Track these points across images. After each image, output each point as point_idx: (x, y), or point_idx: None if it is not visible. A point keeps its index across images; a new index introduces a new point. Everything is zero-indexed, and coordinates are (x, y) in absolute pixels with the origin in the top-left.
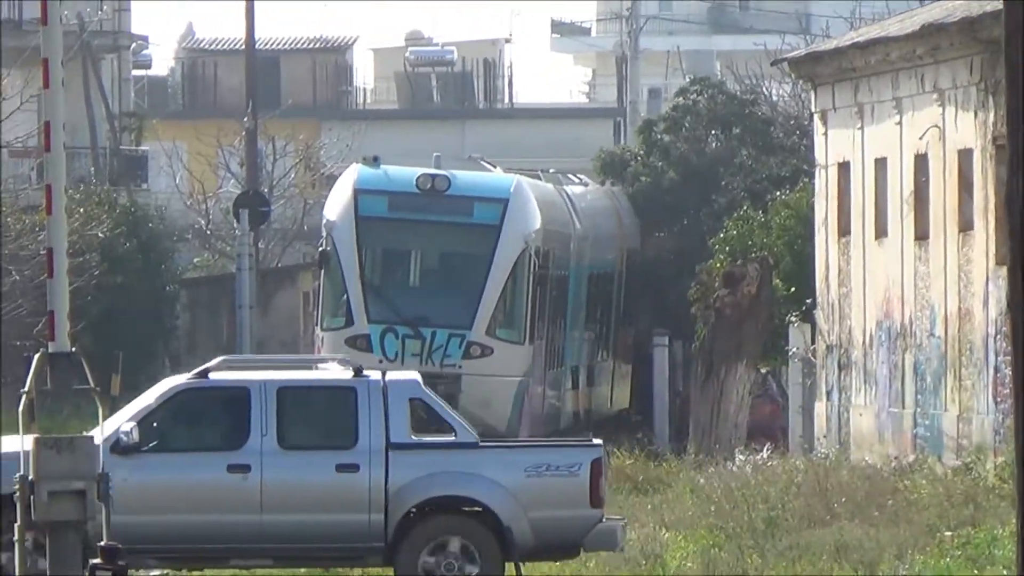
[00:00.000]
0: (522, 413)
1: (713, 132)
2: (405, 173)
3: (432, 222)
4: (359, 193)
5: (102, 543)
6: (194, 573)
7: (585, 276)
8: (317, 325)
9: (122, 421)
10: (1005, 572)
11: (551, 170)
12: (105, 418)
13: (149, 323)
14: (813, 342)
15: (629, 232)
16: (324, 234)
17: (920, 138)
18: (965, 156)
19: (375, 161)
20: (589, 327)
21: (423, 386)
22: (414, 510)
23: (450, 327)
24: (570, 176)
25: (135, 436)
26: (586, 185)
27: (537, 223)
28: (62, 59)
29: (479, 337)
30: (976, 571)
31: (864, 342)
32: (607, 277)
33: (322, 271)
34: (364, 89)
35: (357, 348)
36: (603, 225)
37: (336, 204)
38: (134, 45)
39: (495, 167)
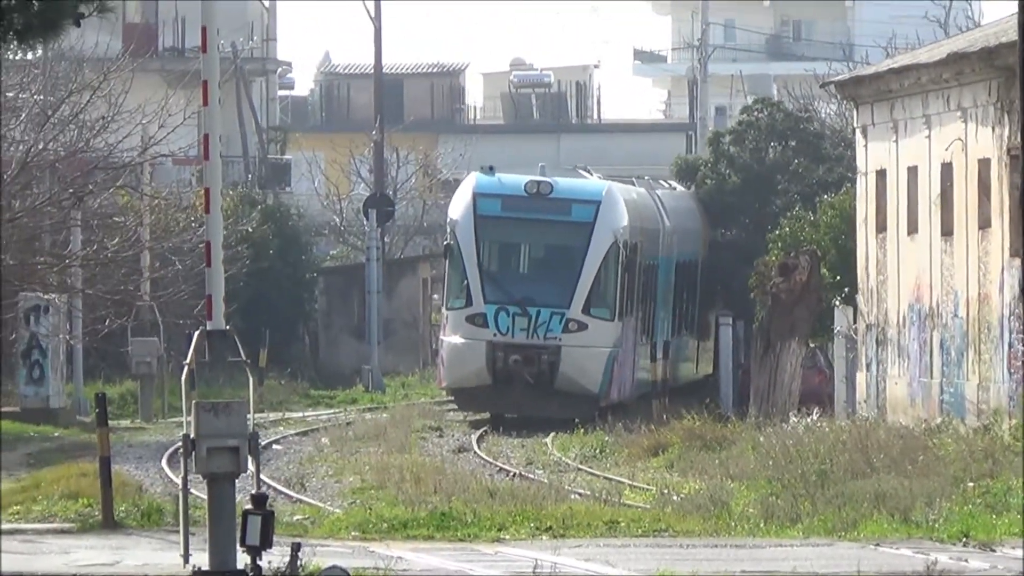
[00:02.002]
0: (612, 378)
1: (772, 144)
2: (515, 179)
3: (537, 220)
4: (477, 196)
5: (253, 492)
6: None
7: (672, 264)
8: (443, 305)
9: None
10: (1017, 516)
11: (645, 177)
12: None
13: (291, 306)
14: (855, 322)
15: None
16: (448, 230)
17: (946, 149)
18: (984, 165)
19: (491, 170)
20: (677, 307)
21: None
22: None
23: (552, 307)
24: (661, 181)
25: None
26: (674, 189)
27: (625, 221)
28: (219, 81)
29: (576, 315)
30: (994, 516)
31: (898, 322)
32: (692, 265)
33: (446, 261)
34: (474, 107)
35: (475, 324)
36: (688, 222)
37: (458, 205)
38: (280, 69)
39: (592, 174)
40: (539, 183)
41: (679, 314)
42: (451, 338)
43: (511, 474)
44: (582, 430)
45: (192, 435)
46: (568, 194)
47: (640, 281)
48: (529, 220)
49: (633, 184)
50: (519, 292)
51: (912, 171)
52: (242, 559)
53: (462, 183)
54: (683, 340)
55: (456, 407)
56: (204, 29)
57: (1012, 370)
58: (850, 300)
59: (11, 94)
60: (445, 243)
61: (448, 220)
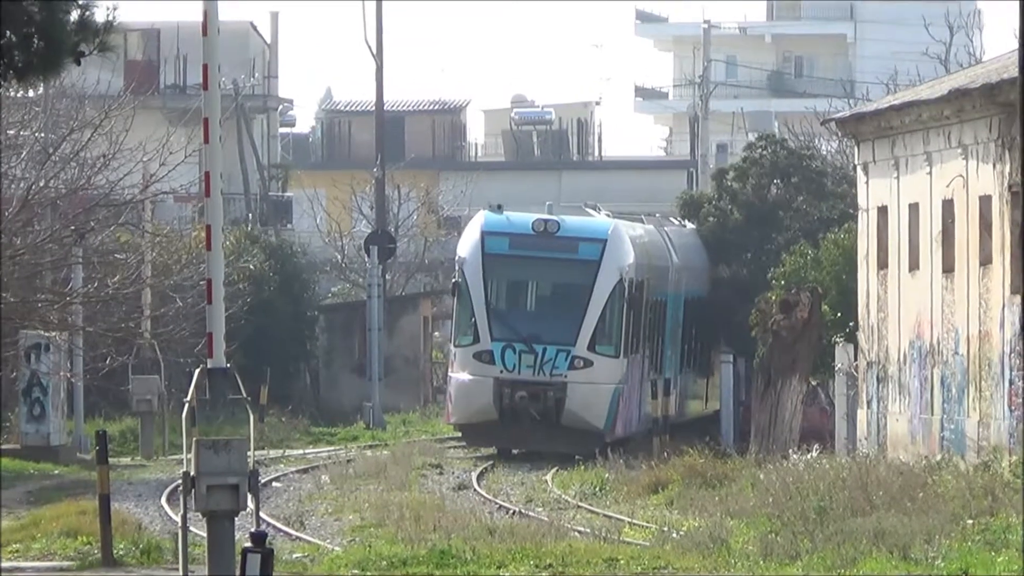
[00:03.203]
0: (618, 414)
1: (774, 181)
2: (523, 218)
3: (545, 258)
4: (485, 235)
5: (253, 530)
6: None
7: (682, 301)
8: (451, 342)
9: None
10: (1017, 554)
11: (656, 214)
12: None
13: (292, 343)
14: (856, 359)
15: None
16: (456, 268)
17: (947, 186)
18: (985, 202)
19: (499, 208)
20: (686, 342)
21: None
22: None
23: (558, 344)
24: (671, 219)
25: None
26: (684, 226)
27: (631, 258)
28: (220, 118)
29: (581, 352)
30: (993, 553)
31: (899, 359)
32: (701, 301)
33: (455, 298)
34: (476, 144)
35: (482, 361)
36: (696, 258)
37: (466, 243)
38: (281, 107)
39: (599, 212)
40: (546, 222)
41: (688, 349)
42: (459, 375)
43: (511, 512)
44: (582, 467)
45: (192, 472)
46: (575, 232)
47: (647, 318)
48: (536, 258)
49: (642, 221)
50: (526, 329)
51: (913, 208)
52: None
53: (471, 221)
54: (692, 375)
55: (462, 443)
56: (205, 67)
57: (1013, 407)
58: (851, 337)
59: (12, 131)
60: (453, 280)
61: (456, 258)
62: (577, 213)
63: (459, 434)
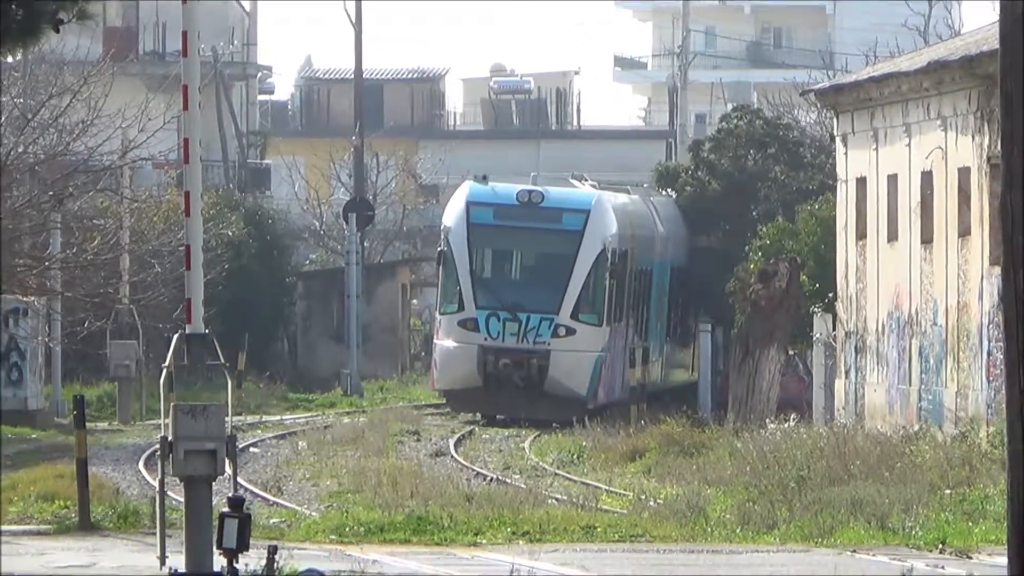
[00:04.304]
0: (600, 382)
1: (752, 151)
2: (508, 188)
3: (529, 228)
4: (470, 205)
5: (230, 495)
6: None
7: (667, 269)
8: (436, 310)
9: None
10: (994, 524)
11: (644, 184)
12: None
13: (270, 309)
14: (834, 329)
15: None
16: (442, 237)
17: (926, 158)
18: (964, 173)
19: (484, 179)
20: (672, 310)
21: None
22: None
23: (541, 312)
24: (660, 191)
25: None
26: (671, 196)
27: (614, 228)
28: (199, 85)
29: (564, 320)
30: (971, 523)
31: (877, 329)
32: (686, 271)
33: (440, 267)
34: (454, 113)
35: (467, 329)
36: (680, 229)
37: (452, 213)
38: (260, 74)
39: (585, 182)
40: (531, 192)
41: (674, 318)
42: (444, 342)
43: (488, 479)
44: (560, 434)
45: (170, 437)
46: (558, 203)
47: (631, 286)
48: (520, 228)
49: (628, 192)
50: (510, 298)
51: (892, 179)
52: (218, 562)
53: (456, 191)
54: (677, 343)
55: (439, 410)
56: (185, 33)
57: (990, 378)
58: (829, 307)
59: None
60: (439, 250)
61: (441, 227)
62: (562, 183)
63: (437, 401)
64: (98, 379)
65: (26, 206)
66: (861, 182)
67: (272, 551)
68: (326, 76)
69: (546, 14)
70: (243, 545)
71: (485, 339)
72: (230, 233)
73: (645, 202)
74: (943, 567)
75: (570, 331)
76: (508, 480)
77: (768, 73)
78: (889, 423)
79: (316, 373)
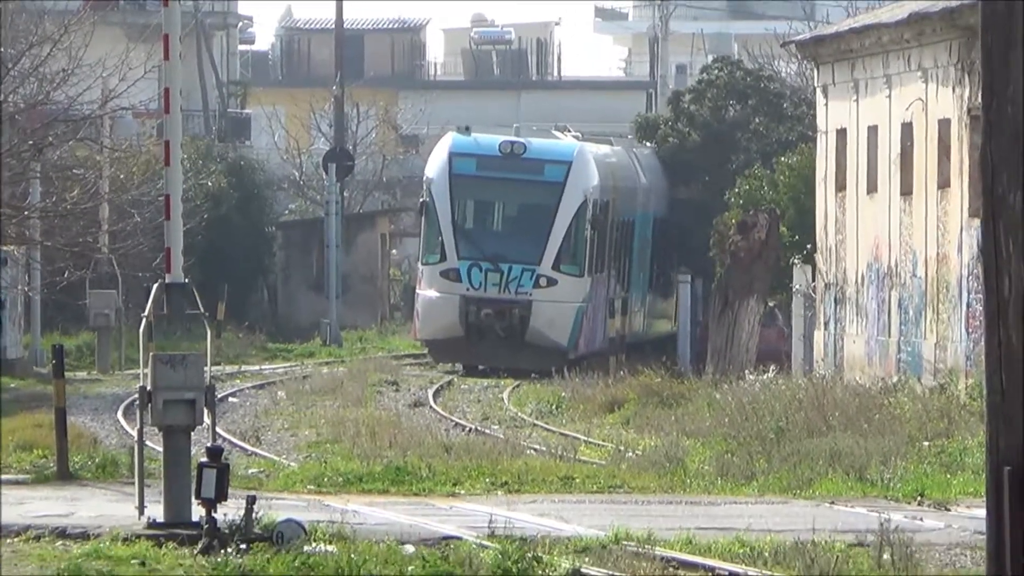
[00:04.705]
0: (581, 332)
1: (731, 103)
2: (490, 140)
3: (511, 179)
4: (453, 156)
5: (209, 445)
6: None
7: (650, 221)
8: (419, 260)
9: None
10: (972, 476)
11: (629, 136)
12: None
13: (250, 259)
14: (813, 280)
15: None
16: (424, 188)
17: (906, 109)
18: (944, 125)
19: (467, 130)
20: (655, 262)
21: None
22: None
23: (523, 263)
24: (644, 143)
25: None
26: (651, 148)
27: (596, 180)
28: (179, 35)
29: (546, 271)
30: (949, 475)
31: (856, 281)
32: (669, 222)
33: (422, 218)
34: (435, 63)
35: (449, 279)
36: (662, 180)
37: (434, 164)
38: (241, 24)
39: (568, 133)
40: (513, 144)
41: (657, 268)
42: (426, 292)
43: (467, 429)
44: (539, 385)
45: (148, 387)
46: (540, 154)
47: (613, 237)
48: (503, 179)
49: (611, 143)
50: (492, 249)
51: (872, 131)
52: (197, 511)
53: (439, 142)
54: (660, 294)
55: (418, 360)
56: None
57: (970, 330)
58: (809, 259)
59: None
60: (421, 201)
61: (424, 178)
62: (545, 134)
63: (416, 351)
64: (77, 328)
65: (6, 155)
66: (841, 133)
67: (251, 501)
68: (306, 26)
69: None
70: (221, 495)
71: (467, 289)
72: (210, 183)
73: (628, 153)
74: (921, 519)
75: (551, 282)
76: (487, 431)
77: (749, 24)
78: (868, 375)
79: (295, 323)
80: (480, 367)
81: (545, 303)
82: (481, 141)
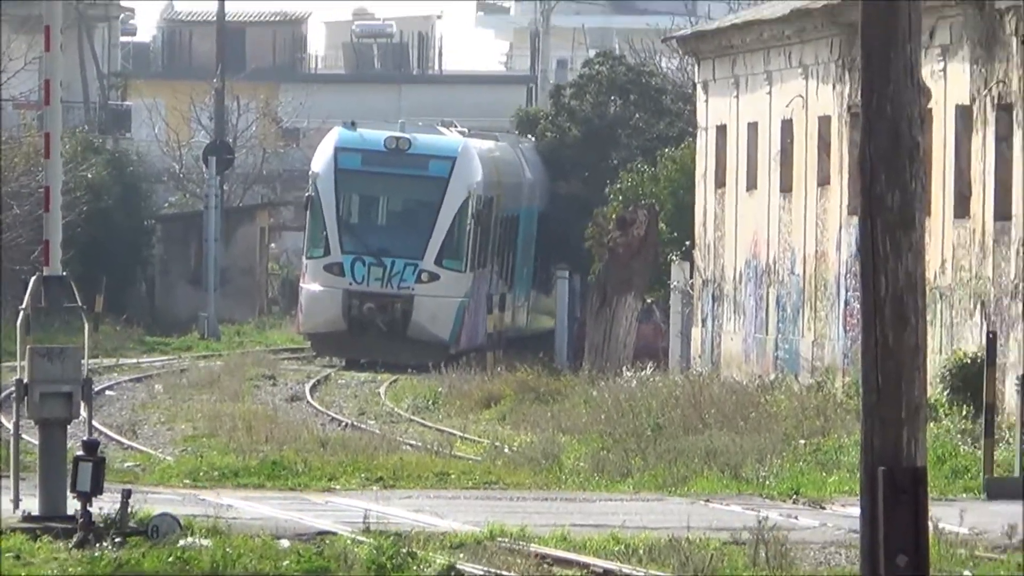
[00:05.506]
0: (463, 327)
1: (612, 98)
2: (376, 134)
3: (395, 174)
4: (338, 150)
5: (85, 438)
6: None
7: (535, 217)
8: (303, 254)
9: None
10: (848, 475)
11: (515, 132)
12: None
13: (129, 252)
14: (691, 277)
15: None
16: (310, 182)
17: (786, 106)
18: (824, 122)
19: (352, 125)
20: (541, 256)
21: None
22: None
23: (406, 257)
24: (529, 137)
25: None
26: (532, 142)
27: (479, 176)
28: (61, 27)
29: (428, 266)
30: (824, 473)
31: (735, 278)
32: (552, 217)
33: (307, 212)
34: (316, 56)
35: (332, 273)
36: (545, 175)
37: (320, 158)
38: (122, 15)
39: (454, 129)
40: (398, 139)
41: (542, 263)
42: (310, 285)
43: (343, 424)
44: (415, 380)
45: (25, 380)
46: (425, 150)
47: (497, 233)
48: (387, 174)
49: (496, 139)
50: (375, 243)
51: (752, 127)
52: (73, 505)
53: (325, 137)
54: (544, 289)
55: (295, 355)
56: None
57: (847, 328)
58: (687, 255)
59: None
60: (306, 195)
61: (310, 173)
62: (430, 130)
63: (293, 345)
64: None
65: None
66: (721, 130)
67: (126, 495)
68: (188, 18)
69: None
70: (97, 489)
71: (350, 283)
72: (90, 175)
73: (514, 149)
74: (796, 517)
75: (433, 276)
76: (363, 426)
77: (631, 19)
78: (745, 372)
79: (174, 316)
80: (362, 361)
81: (427, 298)
82: (366, 136)
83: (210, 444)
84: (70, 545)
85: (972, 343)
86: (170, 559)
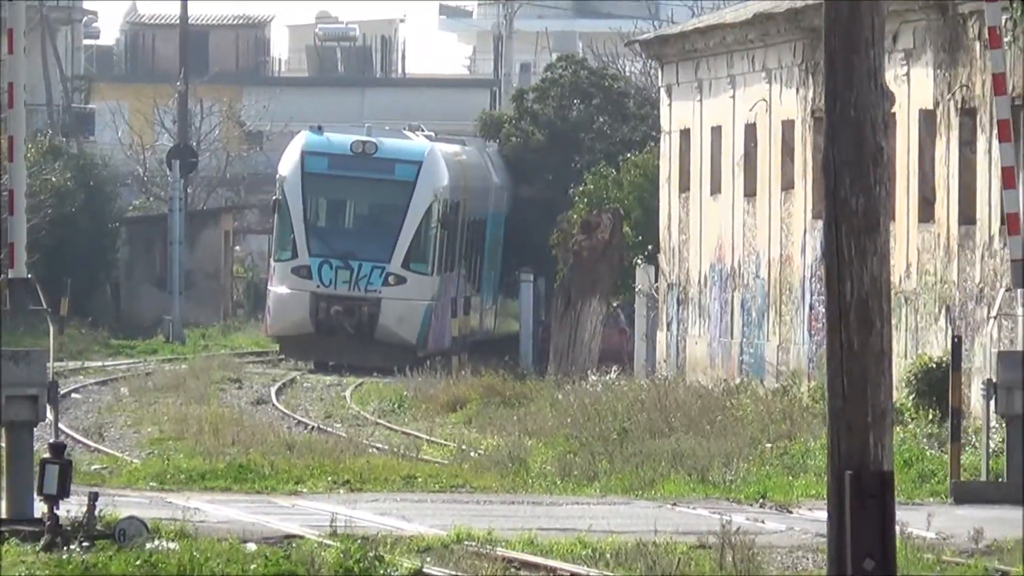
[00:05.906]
0: (430, 330)
1: (576, 101)
2: (343, 139)
3: (362, 178)
4: (305, 154)
5: (51, 441)
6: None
7: (502, 221)
8: (271, 257)
9: None
10: (814, 478)
11: (478, 136)
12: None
13: (93, 255)
14: (656, 281)
15: None
16: (277, 186)
17: (750, 110)
18: (788, 126)
19: (319, 129)
20: (507, 260)
21: None
22: None
23: (373, 261)
24: (493, 141)
25: None
26: (495, 146)
27: (445, 180)
28: (24, 29)
29: (395, 269)
30: (791, 477)
31: (699, 281)
32: (517, 221)
33: (275, 215)
34: (279, 60)
35: (300, 276)
36: (511, 179)
37: (287, 162)
38: (86, 18)
39: (420, 133)
40: (364, 143)
41: (509, 268)
42: (277, 288)
43: (309, 427)
44: (381, 383)
45: None
46: (392, 154)
47: (464, 237)
48: (354, 178)
49: (464, 143)
50: (343, 246)
51: (716, 131)
52: (39, 508)
53: (292, 141)
54: (512, 292)
55: (260, 359)
56: None
57: (812, 332)
58: (652, 259)
59: None
60: (274, 199)
61: (277, 176)
62: (396, 134)
63: (259, 348)
64: None
65: None
66: (685, 134)
67: (93, 498)
68: (152, 22)
69: None
70: (64, 492)
71: (317, 286)
72: (53, 179)
73: (481, 154)
74: (763, 521)
75: (400, 280)
76: (329, 429)
77: (594, 23)
78: (711, 376)
79: (139, 319)
80: (329, 363)
81: (394, 301)
82: (333, 140)
83: (177, 447)
84: (37, 548)
85: (937, 347)
86: (137, 562)
